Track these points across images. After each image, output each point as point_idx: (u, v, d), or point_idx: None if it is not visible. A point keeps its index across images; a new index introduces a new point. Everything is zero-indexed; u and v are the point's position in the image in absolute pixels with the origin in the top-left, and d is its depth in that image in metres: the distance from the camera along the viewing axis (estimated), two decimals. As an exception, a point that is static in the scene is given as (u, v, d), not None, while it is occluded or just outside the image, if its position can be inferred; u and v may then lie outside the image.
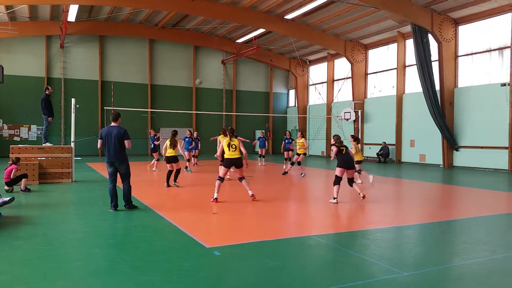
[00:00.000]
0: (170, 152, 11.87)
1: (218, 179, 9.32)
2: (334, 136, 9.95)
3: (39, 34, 25.34)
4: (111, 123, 8.19)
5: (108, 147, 7.94)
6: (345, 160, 9.42)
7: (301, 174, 15.13)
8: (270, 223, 7.40)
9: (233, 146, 9.34)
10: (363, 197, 9.37)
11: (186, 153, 16.58)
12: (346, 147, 9.61)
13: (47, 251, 5.42)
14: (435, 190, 12.40)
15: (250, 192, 9.38)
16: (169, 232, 6.56)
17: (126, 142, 7.98)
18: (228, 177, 12.75)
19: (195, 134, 18.99)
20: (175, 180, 12.03)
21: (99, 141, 8.06)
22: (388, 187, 13.17)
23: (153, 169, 17.10)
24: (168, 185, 11.81)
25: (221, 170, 9.51)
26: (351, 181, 9.63)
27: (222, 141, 9.58)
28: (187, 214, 8.06)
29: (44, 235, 6.26)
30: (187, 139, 17.09)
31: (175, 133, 12.39)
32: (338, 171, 9.40)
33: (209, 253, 5.36)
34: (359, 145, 13.45)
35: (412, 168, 19.98)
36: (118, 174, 8.17)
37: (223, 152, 9.45)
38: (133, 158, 23.08)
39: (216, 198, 9.19)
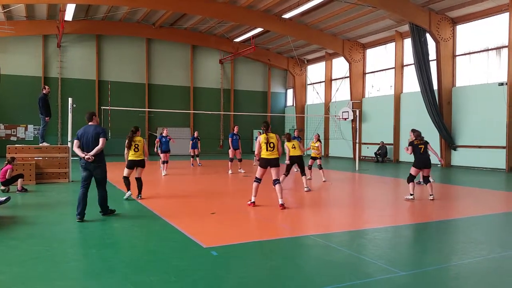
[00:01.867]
0: (131, 155, 9.56)
1: (255, 181, 8.56)
2: (414, 131, 9.81)
3: (36, 34, 25.26)
4: (88, 123, 7.51)
5: (83, 148, 7.22)
6: (422, 160, 9.43)
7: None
8: (268, 223, 7.39)
9: (271, 145, 8.45)
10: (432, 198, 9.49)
11: (162, 154, 15.51)
12: (425, 144, 9.58)
13: (44, 251, 5.39)
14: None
15: (280, 201, 8.46)
16: (166, 232, 6.53)
17: (100, 139, 7.22)
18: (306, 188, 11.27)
19: (195, 134, 19.06)
20: (139, 193, 9.56)
21: (75, 142, 7.27)
22: (385, 186, 13.18)
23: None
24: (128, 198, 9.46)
25: (258, 170, 8.62)
26: (426, 180, 9.70)
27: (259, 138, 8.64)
28: (185, 214, 8.04)
29: (41, 235, 6.23)
30: (164, 139, 15.71)
31: (135, 130, 9.71)
32: (413, 170, 9.47)
33: (206, 253, 5.34)
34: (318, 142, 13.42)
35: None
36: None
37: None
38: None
39: (253, 202, 8.57)
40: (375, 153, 23.64)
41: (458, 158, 20.09)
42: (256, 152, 8.82)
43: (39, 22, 24.73)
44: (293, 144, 11.11)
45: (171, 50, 29.25)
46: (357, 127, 20.40)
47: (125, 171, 9.53)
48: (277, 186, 8.50)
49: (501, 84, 17.85)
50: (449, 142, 20.06)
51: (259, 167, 8.59)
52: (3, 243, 5.75)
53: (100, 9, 24.02)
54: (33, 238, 6.07)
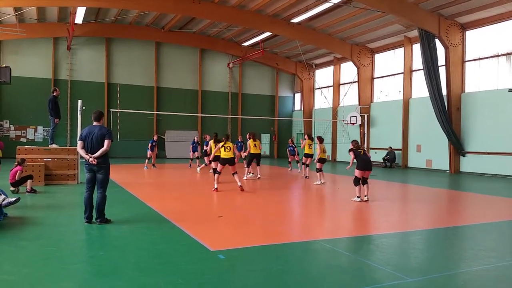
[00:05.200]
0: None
1: (216, 173, 11.60)
2: (352, 141, 10.62)
3: (46, 36, 25.52)
4: (93, 123, 7.26)
5: (88, 149, 7.01)
6: (365, 162, 10.03)
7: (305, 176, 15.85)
8: (275, 227, 7.38)
9: (228, 148, 11.39)
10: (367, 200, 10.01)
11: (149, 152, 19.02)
12: (364, 150, 10.33)
13: (52, 252, 5.42)
14: (441, 196, 12.31)
15: (239, 183, 11.33)
16: (173, 234, 6.55)
17: (106, 141, 6.99)
18: (251, 175, 15.68)
19: (195, 139, 19.89)
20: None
21: (79, 143, 7.08)
22: (394, 192, 13.11)
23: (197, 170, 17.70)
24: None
25: (218, 166, 11.65)
26: (365, 181, 10.17)
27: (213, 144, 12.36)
28: (192, 217, 8.05)
29: (49, 237, 6.27)
30: (154, 143, 19.14)
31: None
32: (357, 172, 10.00)
33: (213, 256, 5.34)
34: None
35: (418, 173, 19.87)
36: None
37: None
38: (136, 161, 23.18)
39: (216, 188, 11.27)
40: (383, 159, 23.52)
41: (467, 164, 19.93)
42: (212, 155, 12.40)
43: (50, 25, 24.99)
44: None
45: (180, 53, 29.39)
46: (365, 132, 20.31)
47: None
48: (235, 176, 11.46)
49: (511, 90, 17.71)
50: (458, 148, 19.91)
51: (219, 164, 11.60)
52: (13, 244, 5.80)
53: (110, 12, 24.22)
54: (41, 239, 6.12)
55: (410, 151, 23.06)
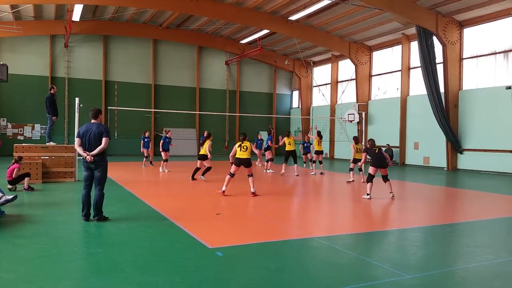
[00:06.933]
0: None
1: (228, 175, 10.41)
2: (368, 140, 11.01)
3: (43, 34, 25.43)
4: (91, 120, 7.23)
5: (85, 147, 7.01)
6: (378, 159, 10.28)
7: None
8: (273, 225, 7.39)
9: (244, 147, 10.32)
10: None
11: (144, 150, 18.57)
12: (380, 148, 10.55)
13: (50, 250, 5.42)
14: (439, 193, 12.34)
15: (252, 189, 10.29)
16: (171, 232, 6.55)
17: (103, 139, 6.98)
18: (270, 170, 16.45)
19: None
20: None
21: (77, 140, 7.09)
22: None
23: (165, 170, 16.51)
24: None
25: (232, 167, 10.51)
26: (385, 179, 10.43)
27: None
28: (190, 215, 8.06)
29: (47, 234, 6.27)
30: (146, 139, 18.55)
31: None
32: (371, 169, 10.20)
33: (211, 253, 5.34)
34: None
35: (416, 170, 19.91)
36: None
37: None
38: (134, 158, 23.15)
39: (223, 191, 10.26)
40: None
41: (464, 161, 19.98)
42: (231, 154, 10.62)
43: (47, 22, 24.89)
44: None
45: (178, 51, 29.33)
46: (363, 130, 20.33)
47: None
48: (250, 178, 10.40)
49: (509, 87, 17.75)
50: (455, 146, 19.95)
51: (233, 165, 10.45)
52: (10, 242, 5.79)
53: (107, 10, 24.14)
54: (39, 236, 6.11)
55: (408, 149, 23.10)
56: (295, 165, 16.18)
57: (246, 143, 10.31)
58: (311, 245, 6.00)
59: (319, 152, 16.20)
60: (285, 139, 15.73)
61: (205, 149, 13.45)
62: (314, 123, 29.80)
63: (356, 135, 16.97)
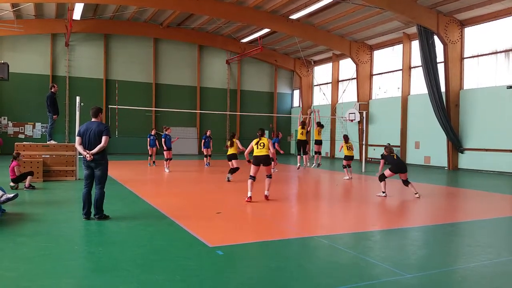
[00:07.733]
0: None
1: (249, 178, 9.44)
2: (385, 147, 11.08)
3: (44, 32, 25.44)
4: (91, 119, 7.22)
5: (86, 145, 7.01)
6: (399, 165, 10.51)
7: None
8: (273, 224, 7.39)
9: (261, 144, 9.48)
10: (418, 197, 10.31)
11: (150, 148, 18.57)
12: (397, 154, 10.65)
13: (51, 248, 5.43)
14: (439, 192, 12.33)
15: (266, 192, 9.55)
16: (172, 231, 6.55)
17: (103, 137, 6.97)
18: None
19: (208, 133, 19.00)
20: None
21: (77, 139, 7.10)
22: (392, 188, 13.12)
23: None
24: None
25: (252, 168, 9.54)
26: (406, 183, 10.59)
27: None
28: (191, 214, 8.06)
29: (48, 233, 6.27)
30: (151, 137, 18.50)
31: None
32: (387, 173, 10.48)
33: (212, 252, 5.35)
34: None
35: (416, 170, 19.89)
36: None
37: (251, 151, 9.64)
38: (135, 157, 23.17)
39: (250, 197, 9.24)
40: (382, 155, 23.49)
41: (465, 161, 19.97)
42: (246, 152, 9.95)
43: (48, 21, 24.90)
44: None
45: (178, 50, 29.33)
46: (364, 129, 20.33)
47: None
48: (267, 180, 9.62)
49: (510, 87, 17.72)
50: (456, 145, 19.94)
51: (252, 165, 9.54)
52: (11, 240, 5.80)
53: (108, 9, 24.14)
54: (40, 235, 6.12)
55: (409, 148, 23.09)
56: (305, 156, 16.55)
57: (264, 140, 9.50)
58: (312, 244, 6.00)
59: (319, 142, 16.31)
60: (299, 128, 16.28)
61: (235, 148, 13.30)
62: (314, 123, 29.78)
63: (346, 133, 16.92)
